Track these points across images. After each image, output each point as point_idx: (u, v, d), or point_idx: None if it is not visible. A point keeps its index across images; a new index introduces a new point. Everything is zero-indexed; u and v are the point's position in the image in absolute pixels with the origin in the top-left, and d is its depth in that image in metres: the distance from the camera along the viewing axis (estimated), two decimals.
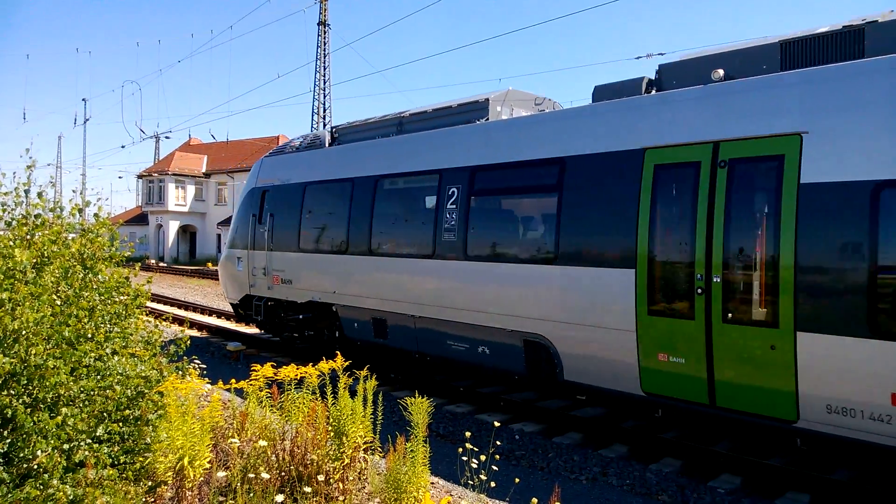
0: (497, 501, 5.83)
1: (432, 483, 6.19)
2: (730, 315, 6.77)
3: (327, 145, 12.84)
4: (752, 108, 6.92)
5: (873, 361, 5.88)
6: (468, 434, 5.63)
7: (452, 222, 9.61)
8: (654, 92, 8.15)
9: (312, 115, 53.79)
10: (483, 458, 5.07)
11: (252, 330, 16.71)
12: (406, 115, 11.51)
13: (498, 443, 6.92)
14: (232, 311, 16.20)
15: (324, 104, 53.84)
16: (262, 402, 5.83)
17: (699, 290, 6.96)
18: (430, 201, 10.18)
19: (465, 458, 5.09)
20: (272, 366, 5.90)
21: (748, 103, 6.97)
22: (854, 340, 5.98)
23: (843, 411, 6.11)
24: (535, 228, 9.19)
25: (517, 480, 5.70)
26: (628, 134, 7.83)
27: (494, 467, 5.21)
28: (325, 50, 52.64)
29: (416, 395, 5.21)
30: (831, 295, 6.18)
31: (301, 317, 12.46)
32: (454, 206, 9.61)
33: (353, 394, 5.44)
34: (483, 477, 5.01)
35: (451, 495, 5.91)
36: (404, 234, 10.68)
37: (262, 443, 4.98)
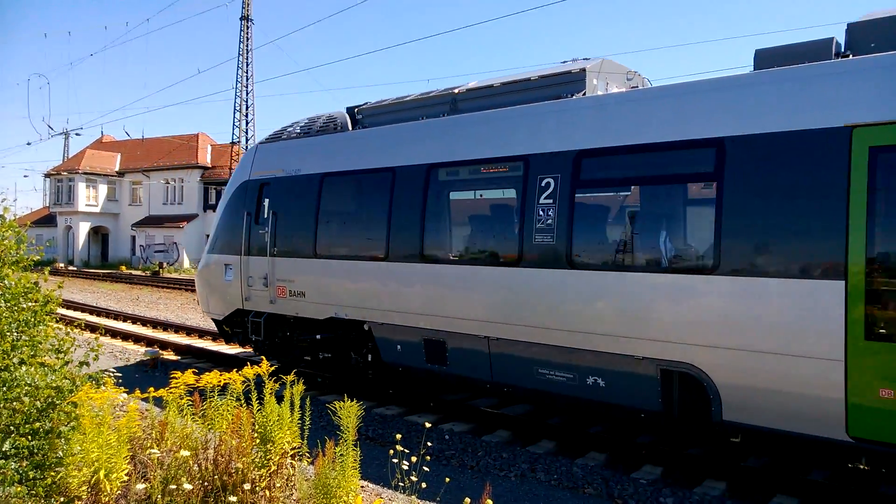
0: (428, 502, 5.82)
1: (362, 487, 6.13)
2: None
3: (350, 128, 10.41)
4: None
5: None
6: (399, 436, 5.60)
7: (548, 221, 7.58)
8: (850, 56, 6.45)
9: (234, 113, 52.36)
10: (414, 459, 5.05)
11: (188, 341, 16.03)
12: (461, 91, 9.32)
13: (429, 444, 6.92)
14: (212, 328, 13.03)
15: (246, 101, 52.55)
16: (182, 410, 5.62)
17: None
18: (510, 195, 8.34)
19: (395, 461, 5.05)
20: (193, 372, 5.70)
21: None
22: None
23: None
24: (681, 228, 7.48)
25: (448, 480, 5.71)
26: (824, 108, 6.09)
27: (425, 468, 5.19)
28: (248, 46, 51.37)
29: (346, 398, 5.14)
30: None
31: (319, 337, 10.22)
32: (550, 202, 7.60)
33: (280, 399, 5.32)
34: (414, 478, 4.99)
35: (382, 498, 5.86)
36: (473, 236, 8.91)
37: (184, 452, 4.80)
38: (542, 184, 7.69)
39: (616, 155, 7.32)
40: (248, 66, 51.92)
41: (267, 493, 4.98)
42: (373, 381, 10.12)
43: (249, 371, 5.63)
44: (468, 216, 9.21)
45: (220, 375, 5.65)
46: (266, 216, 10.87)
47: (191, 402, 5.62)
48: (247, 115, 52.74)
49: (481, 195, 9.17)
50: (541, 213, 7.66)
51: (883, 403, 5.64)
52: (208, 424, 5.49)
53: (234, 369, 5.79)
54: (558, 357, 7.54)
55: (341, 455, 4.88)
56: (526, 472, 7.29)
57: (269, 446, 5.10)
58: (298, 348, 10.72)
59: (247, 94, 52.53)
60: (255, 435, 5.15)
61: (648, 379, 6.93)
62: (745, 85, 6.69)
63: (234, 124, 52.28)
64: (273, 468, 5.08)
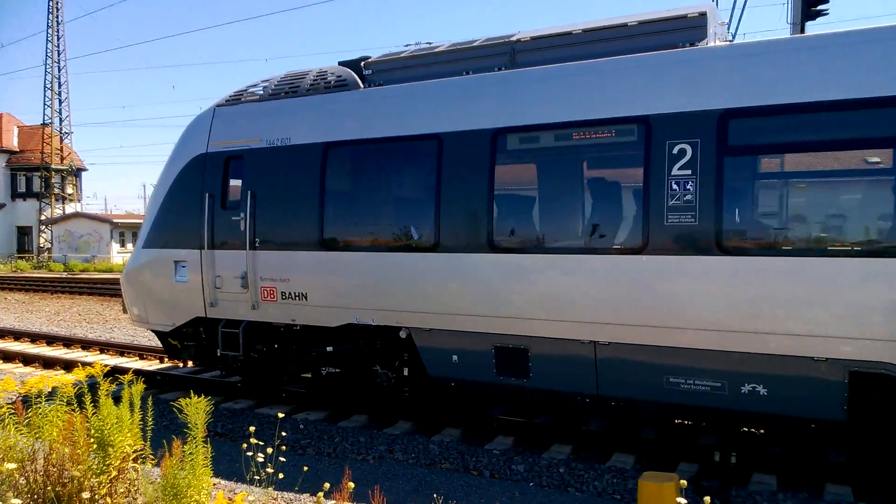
0: (286, 493, 5.68)
1: (215, 485, 5.85)
2: None
3: (361, 86, 8.36)
4: None
5: None
6: (252, 429, 5.40)
7: (686, 197, 6.27)
8: None
9: (45, 91, 47.62)
10: (270, 450, 4.89)
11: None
12: (522, 39, 7.56)
13: (283, 434, 6.74)
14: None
15: (59, 79, 47.92)
16: (2, 419, 5.04)
17: None
18: (624, 165, 7.07)
19: (249, 454, 4.87)
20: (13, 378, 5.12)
21: None
22: None
23: None
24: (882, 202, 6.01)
25: (305, 469, 5.60)
26: None
27: (282, 459, 5.05)
28: (58, 18, 46.73)
29: (192, 394, 4.86)
30: None
31: (331, 349, 8.38)
32: (688, 173, 6.26)
33: (117, 400, 4.93)
34: (270, 470, 4.84)
35: (236, 493, 5.63)
36: (569, 217, 7.27)
37: (10, 465, 4.31)
38: (676, 151, 6.34)
39: (790, 115, 6.00)
40: (58, 40, 47.29)
41: (108, 500, 4.61)
42: (410, 400, 8.30)
43: (81, 372, 5.16)
44: (558, 192, 7.40)
45: (46, 379, 5.12)
46: (241, 198, 8.74)
47: (13, 411, 5.05)
48: (59, 94, 48.08)
49: (581, 165, 7.26)
50: (675, 186, 6.34)
51: None
52: (35, 433, 4.97)
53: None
54: (702, 362, 6.29)
55: (190, 454, 4.62)
56: (384, 453, 7.33)
57: (107, 451, 4.71)
58: (292, 364, 8.84)
59: (59, 70, 47.88)
60: (92, 440, 4.73)
61: (830, 385, 5.83)
62: None
63: (45, 104, 47.54)
64: (114, 474, 4.70)
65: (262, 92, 9.07)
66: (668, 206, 6.33)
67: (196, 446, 4.67)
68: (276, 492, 5.08)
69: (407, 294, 7.62)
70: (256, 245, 8.53)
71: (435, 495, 5.73)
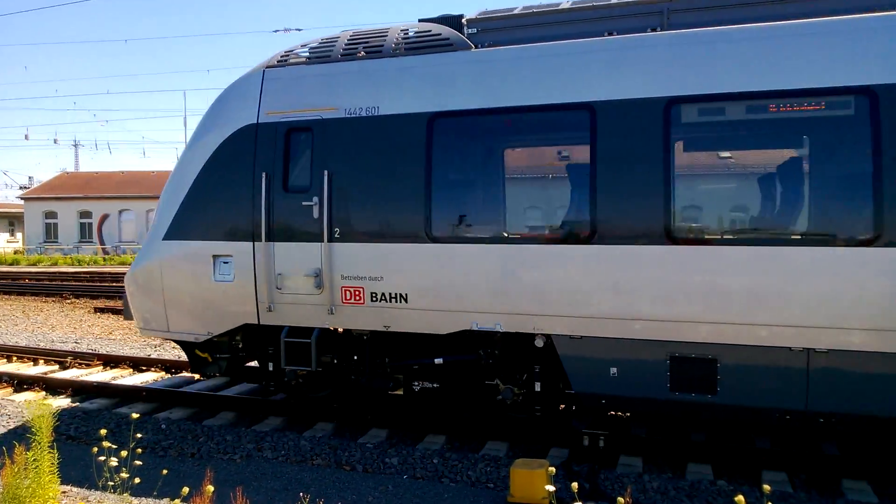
0: (144, 499, 5.33)
1: (64, 492, 5.40)
2: None
3: (472, 47, 6.95)
4: None
5: None
6: (104, 432, 5.01)
7: None
8: None
9: None
10: (124, 454, 4.56)
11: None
12: None
13: (140, 435, 6.31)
14: None
15: None
16: None
17: None
18: (845, 143, 5.83)
19: (101, 459, 4.51)
20: None
21: None
22: None
23: None
24: None
25: (165, 472, 5.26)
26: None
27: (138, 462, 4.72)
28: None
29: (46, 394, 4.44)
30: None
31: (441, 361, 7.13)
32: None
33: None
34: (125, 475, 4.51)
35: (89, 501, 5.22)
36: (782, 201, 6.25)
37: None
38: None
39: None
40: None
41: None
42: (540, 420, 7.17)
43: None
44: (772, 172, 6.38)
45: None
46: (310, 179, 7.25)
47: None
48: None
49: (796, 141, 6.19)
50: None
51: None
52: None
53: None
54: None
55: (35, 460, 4.22)
56: (252, 451, 7.06)
57: None
58: (380, 379, 7.45)
59: None
60: None
61: None
62: None
63: None
64: None
65: (329, 52, 7.51)
66: None
67: (41, 452, 4.28)
68: (132, 497, 4.74)
69: (549, 294, 6.43)
70: (336, 236, 7.09)
71: (302, 494, 5.58)
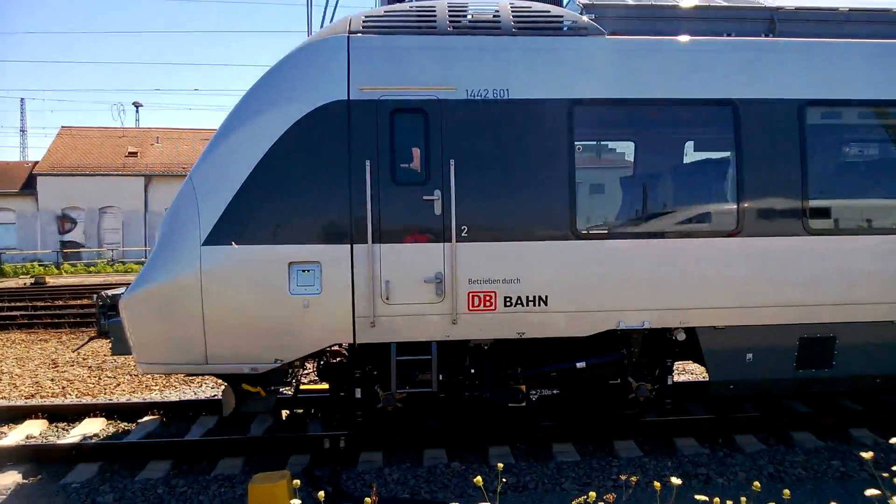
0: None
1: None
2: None
3: (604, 33, 6.66)
4: None
5: None
6: None
7: None
8: None
9: None
10: None
11: None
12: (784, 8, 7.18)
13: None
14: None
15: None
16: None
17: None
18: None
19: None
20: None
21: None
22: None
23: None
24: None
25: None
26: None
27: None
28: None
29: None
30: None
31: (582, 365, 6.72)
32: None
33: None
34: None
35: None
36: None
37: None
38: None
39: None
40: None
41: None
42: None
43: None
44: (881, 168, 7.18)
45: None
46: (423, 168, 6.24)
47: None
48: None
49: None
50: None
51: None
52: None
53: None
54: None
55: None
56: None
57: None
58: (508, 392, 6.72)
59: None
60: None
61: None
62: None
63: None
64: None
65: (434, 22, 6.57)
66: None
67: None
68: None
69: (698, 287, 6.54)
70: (464, 235, 6.24)
71: None
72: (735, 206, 6.58)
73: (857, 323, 6.71)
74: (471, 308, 6.36)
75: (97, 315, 6.92)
